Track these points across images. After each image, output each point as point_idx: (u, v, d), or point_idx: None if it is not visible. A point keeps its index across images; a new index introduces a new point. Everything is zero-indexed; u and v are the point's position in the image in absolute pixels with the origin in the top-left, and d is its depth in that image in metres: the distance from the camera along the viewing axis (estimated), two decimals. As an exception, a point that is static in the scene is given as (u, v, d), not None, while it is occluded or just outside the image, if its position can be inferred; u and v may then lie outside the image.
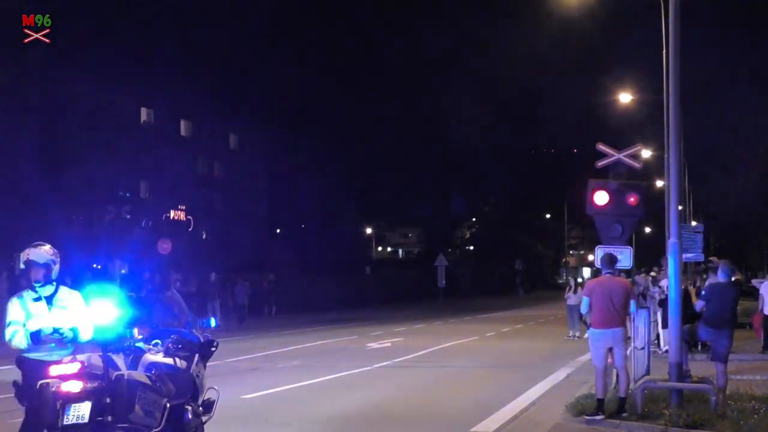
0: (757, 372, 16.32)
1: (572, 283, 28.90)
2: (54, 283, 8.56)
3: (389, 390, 15.32)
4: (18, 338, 8.37)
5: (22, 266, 8.59)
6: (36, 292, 8.50)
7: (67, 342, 8.39)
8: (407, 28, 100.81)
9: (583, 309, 12.33)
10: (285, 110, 76.34)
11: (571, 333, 26.87)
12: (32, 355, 8.37)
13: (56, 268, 8.57)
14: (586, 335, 20.53)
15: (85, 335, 8.51)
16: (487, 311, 45.86)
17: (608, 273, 12.01)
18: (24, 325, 8.38)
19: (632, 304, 11.94)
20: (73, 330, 8.41)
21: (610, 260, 12.13)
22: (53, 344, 8.36)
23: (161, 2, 67.61)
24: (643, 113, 37.48)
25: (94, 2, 57.17)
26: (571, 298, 27.19)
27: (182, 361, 8.60)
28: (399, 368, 18.93)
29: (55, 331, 8.33)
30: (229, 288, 37.89)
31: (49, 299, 8.49)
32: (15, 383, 8.22)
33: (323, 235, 67.34)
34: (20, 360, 8.44)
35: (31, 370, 8.28)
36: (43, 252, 8.52)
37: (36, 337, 8.32)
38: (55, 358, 8.19)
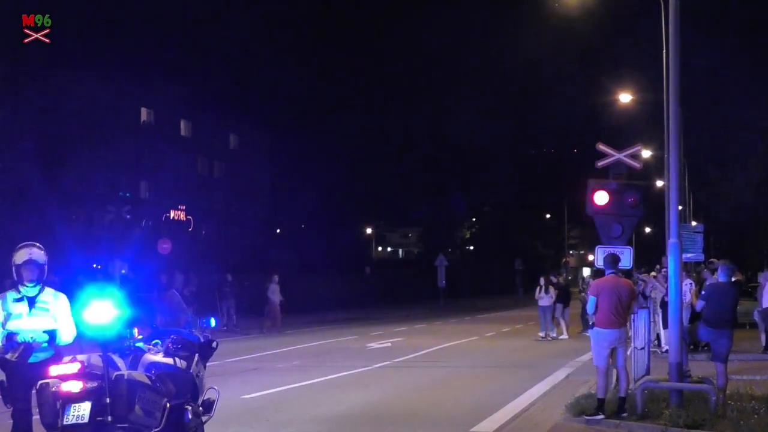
0: (757, 372, 16.32)
1: (542, 282, 27.25)
2: (40, 284, 8.54)
3: (389, 390, 15.31)
4: None
5: (16, 264, 8.43)
6: (19, 292, 8.45)
7: (39, 347, 8.32)
8: (407, 29, 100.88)
9: (590, 309, 12.07)
10: (285, 110, 76.50)
11: (542, 333, 26.58)
12: (9, 356, 8.29)
13: (45, 269, 8.58)
14: (586, 334, 20.56)
15: (65, 338, 8.49)
16: (487, 311, 45.83)
17: (611, 273, 11.98)
18: (2, 326, 8.33)
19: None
20: (53, 333, 8.38)
21: (614, 260, 12.10)
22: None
23: (161, 3, 67.67)
24: (643, 113, 37.48)
25: (94, 2, 57.25)
26: (543, 299, 26.65)
27: (182, 361, 8.60)
28: (399, 368, 18.92)
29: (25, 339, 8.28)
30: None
31: (32, 300, 8.43)
32: (1, 383, 8.21)
33: (323, 235, 67.30)
34: (2, 362, 8.37)
35: (10, 371, 8.24)
36: (42, 253, 8.52)
37: (10, 340, 8.29)
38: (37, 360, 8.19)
